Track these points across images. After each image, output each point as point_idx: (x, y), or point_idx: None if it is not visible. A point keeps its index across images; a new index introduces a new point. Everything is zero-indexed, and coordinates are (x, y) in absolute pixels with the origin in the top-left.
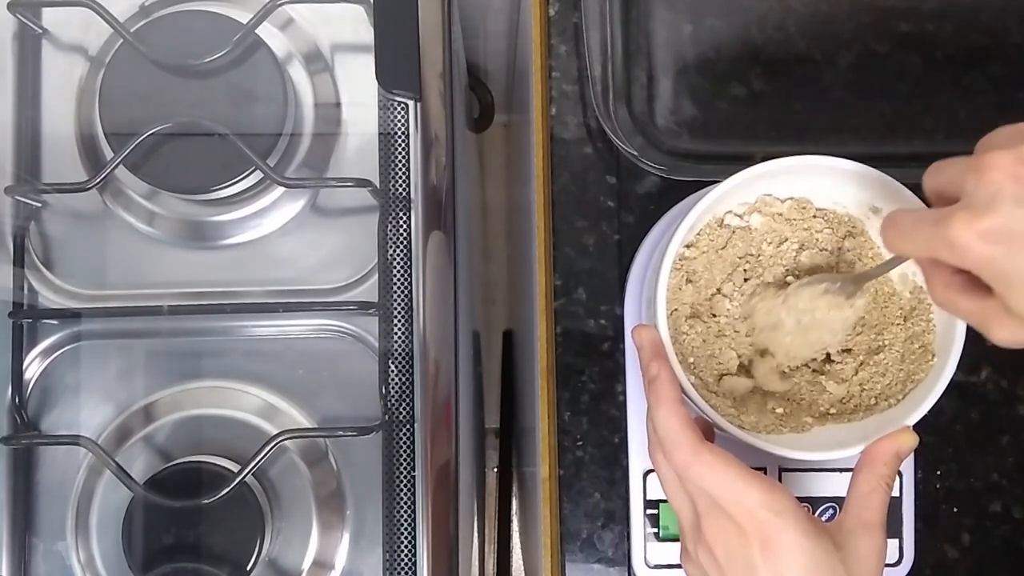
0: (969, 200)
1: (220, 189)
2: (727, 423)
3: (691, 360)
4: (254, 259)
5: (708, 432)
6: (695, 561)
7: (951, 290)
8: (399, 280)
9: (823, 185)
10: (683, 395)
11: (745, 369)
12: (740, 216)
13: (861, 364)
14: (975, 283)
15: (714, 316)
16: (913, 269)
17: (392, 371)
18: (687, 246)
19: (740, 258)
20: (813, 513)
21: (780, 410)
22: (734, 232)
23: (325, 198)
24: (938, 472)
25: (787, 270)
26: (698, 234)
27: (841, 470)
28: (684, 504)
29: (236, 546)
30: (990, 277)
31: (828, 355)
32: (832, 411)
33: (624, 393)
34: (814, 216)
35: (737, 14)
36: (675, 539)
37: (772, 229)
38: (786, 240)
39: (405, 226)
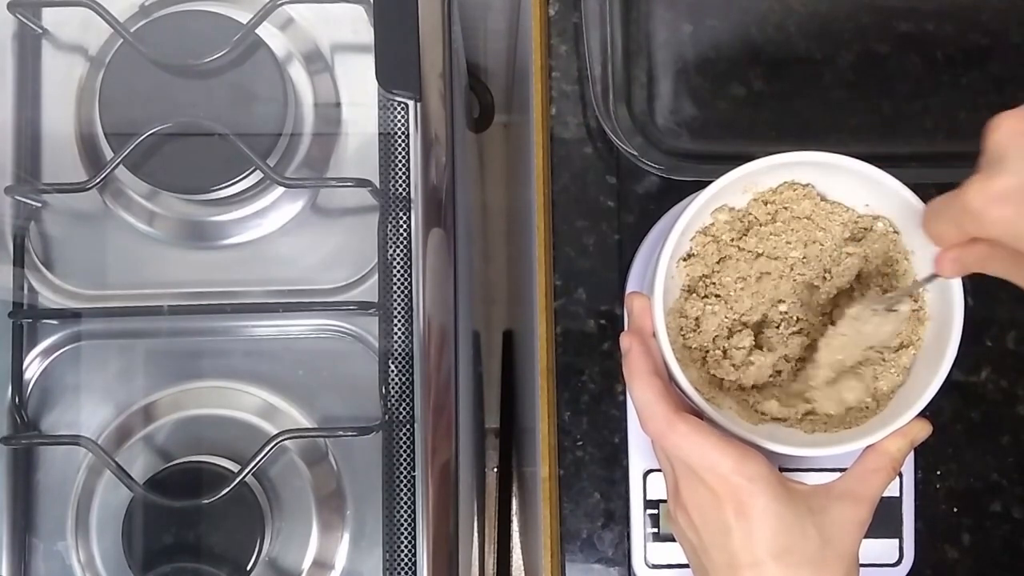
0: (981, 167)
1: (220, 189)
2: (724, 420)
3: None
4: (254, 259)
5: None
6: (676, 521)
7: (1001, 262)
8: (399, 280)
9: (819, 182)
10: (681, 393)
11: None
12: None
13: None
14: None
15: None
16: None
17: (392, 371)
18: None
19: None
20: None
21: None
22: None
23: (325, 198)
24: (938, 472)
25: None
26: (694, 236)
27: (842, 470)
28: (666, 469)
29: (236, 546)
30: (1012, 240)
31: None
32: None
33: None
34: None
35: (737, 14)
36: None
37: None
38: (784, 232)
39: (405, 226)
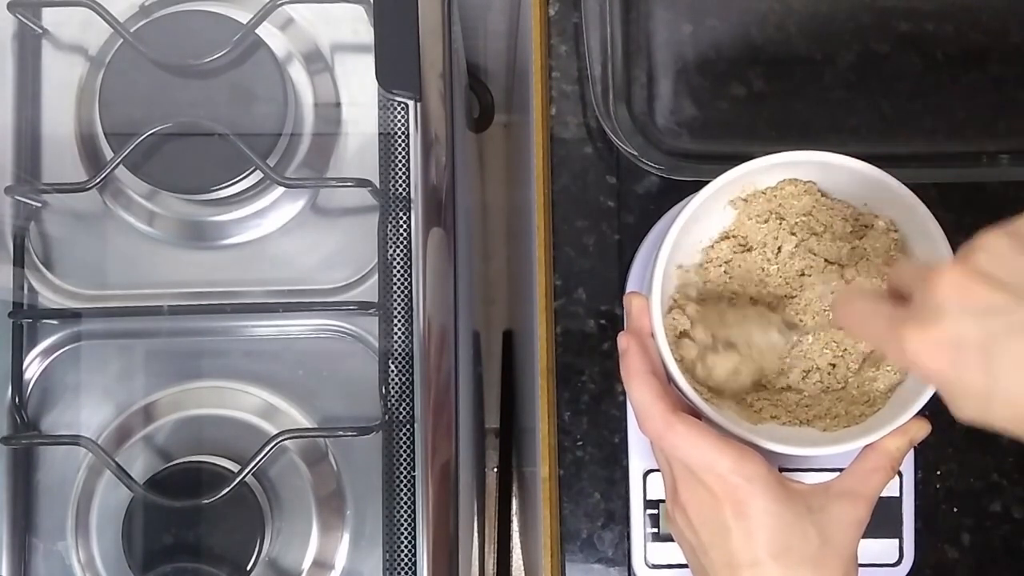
0: (917, 309)
1: (220, 189)
2: (723, 420)
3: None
4: (254, 259)
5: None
6: (674, 521)
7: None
8: (399, 280)
9: (819, 182)
10: (680, 393)
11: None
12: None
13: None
14: None
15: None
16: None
17: (392, 371)
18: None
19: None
20: None
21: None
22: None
23: (325, 198)
24: (938, 472)
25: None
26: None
27: (842, 470)
28: (665, 469)
29: (236, 546)
30: (939, 385)
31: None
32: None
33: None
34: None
35: (737, 14)
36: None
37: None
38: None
39: (405, 226)
